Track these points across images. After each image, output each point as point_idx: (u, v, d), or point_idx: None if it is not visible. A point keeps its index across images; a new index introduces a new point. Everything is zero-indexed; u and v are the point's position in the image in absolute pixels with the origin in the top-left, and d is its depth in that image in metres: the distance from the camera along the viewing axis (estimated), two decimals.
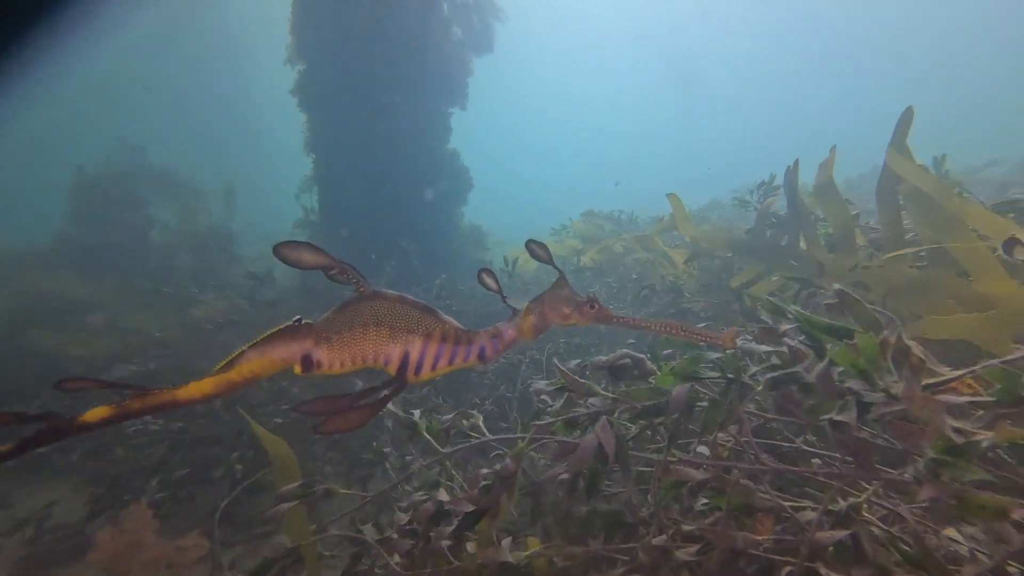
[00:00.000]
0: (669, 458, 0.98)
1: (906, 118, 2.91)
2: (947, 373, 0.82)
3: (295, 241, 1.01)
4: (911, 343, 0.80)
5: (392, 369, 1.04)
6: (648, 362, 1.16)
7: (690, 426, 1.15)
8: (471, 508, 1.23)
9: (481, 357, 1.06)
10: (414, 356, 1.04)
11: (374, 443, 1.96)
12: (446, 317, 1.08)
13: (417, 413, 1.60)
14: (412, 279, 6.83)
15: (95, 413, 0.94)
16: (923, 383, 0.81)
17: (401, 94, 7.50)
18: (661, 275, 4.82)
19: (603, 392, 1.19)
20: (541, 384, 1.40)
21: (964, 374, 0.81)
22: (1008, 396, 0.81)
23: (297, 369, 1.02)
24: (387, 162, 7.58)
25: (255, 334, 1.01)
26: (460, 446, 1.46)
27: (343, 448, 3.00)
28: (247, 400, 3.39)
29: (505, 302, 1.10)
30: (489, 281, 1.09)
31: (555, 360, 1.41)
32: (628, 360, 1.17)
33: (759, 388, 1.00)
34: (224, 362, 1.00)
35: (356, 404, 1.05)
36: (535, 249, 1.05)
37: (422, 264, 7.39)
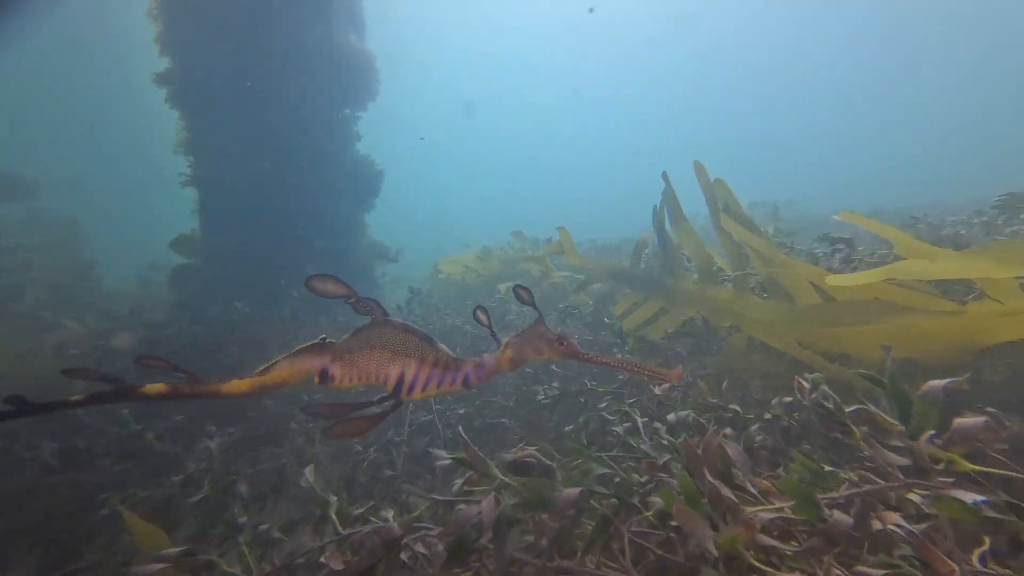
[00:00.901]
0: (548, 563, 1.01)
1: (701, 174, 3.26)
2: (768, 508, 0.94)
3: (323, 275, 1.12)
4: (725, 488, 0.88)
5: (390, 387, 1.14)
6: (557, 471, 1.17)
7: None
8: (342, 567, 1.13)
9: (465, 383, 1.15)
10: (408, 377, 1.13)
11: (226, 514, 1.71)
12: (441, 345, 1.16)
13: (333, 499, 1.48)
14: (320, 305, 6.28)
15: (153, 387, 1.05)
16: (745, 512, 0.90)
17: (292, 91, 6.62)
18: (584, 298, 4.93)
19: (499, 475, 1.19)
20: (441, 453, 1.37)
21: (786, 506, 0.93)
22: (804, 512, 0.86)
23: (316, 380, 1.13)
24: (281, 169, 6.67)
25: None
26: (356, 531, 1.38)
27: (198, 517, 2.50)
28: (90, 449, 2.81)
29: (493, 336, 1.18)
30: (482, 317, 1.18)
31: (460, 429, 1.38)
32: (534, 460, 1.18)
33: (648, 514, 1.02)
34: (262, 367, 1.11)
35: (356, 414, 1.16)
36: (521, 292, 1.17)
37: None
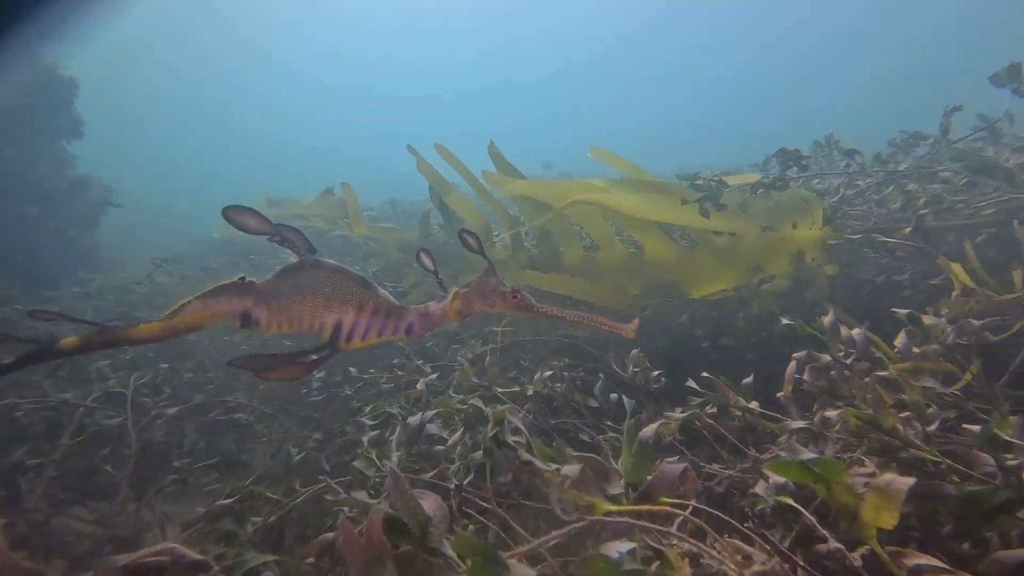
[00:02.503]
0: None
1: (444, 153, 3.27)
2: None
3: (242, 206, 1.03)
4: None
5: (326, 335, 1.07)
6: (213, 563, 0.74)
7: None
8: None
9: (408, 332, 1.09)
10: (346, 326, 1.06)
11: None
12: (382, 291, 1.09)
13: None
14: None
15: (68, 341, 1.01)
16: None
17: None
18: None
19: None
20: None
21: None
22: None
23: (237, 323, 1.04)
24: None
25: None
26: None
27: None
28: None
29: (439, 284, 1.13)
30: (426, 261, 1.11)
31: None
32: (167, 558, 0.71)
33: None
34: (172, 309, 1.03)
35: (292, 362, 1.07)
36: (467, 239, 1.09)
37: None
